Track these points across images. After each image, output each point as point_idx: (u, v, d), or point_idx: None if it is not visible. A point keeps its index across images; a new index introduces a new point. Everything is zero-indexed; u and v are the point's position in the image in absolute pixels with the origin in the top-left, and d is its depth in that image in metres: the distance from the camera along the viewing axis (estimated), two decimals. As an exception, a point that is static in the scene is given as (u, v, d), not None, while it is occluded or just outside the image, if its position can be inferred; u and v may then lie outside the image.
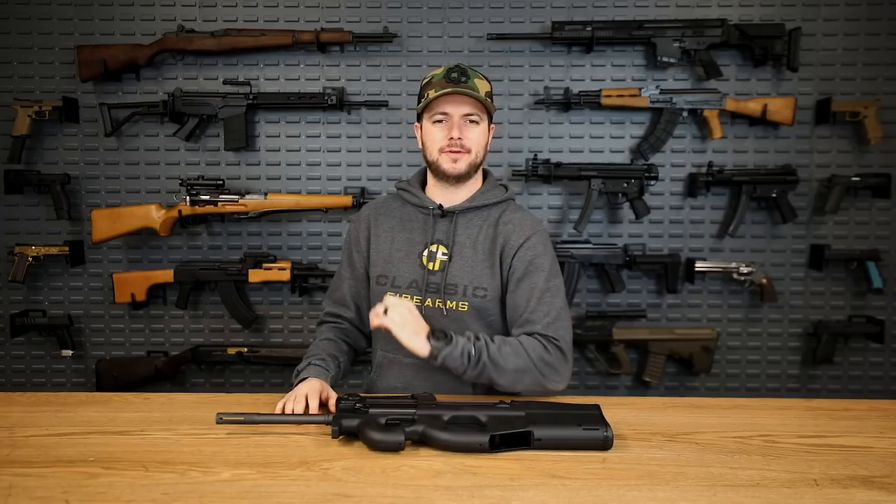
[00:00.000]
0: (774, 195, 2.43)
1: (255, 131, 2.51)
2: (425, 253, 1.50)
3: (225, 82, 2.43)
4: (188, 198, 2.39)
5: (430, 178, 1.55)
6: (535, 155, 2.45)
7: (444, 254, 1.49)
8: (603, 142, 2.51)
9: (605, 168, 2.43)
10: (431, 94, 1.44)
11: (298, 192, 2.50)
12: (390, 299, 1.36)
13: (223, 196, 2.40)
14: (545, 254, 1.48)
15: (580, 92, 2.42)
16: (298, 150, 2.52)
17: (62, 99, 2.42)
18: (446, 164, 1.47)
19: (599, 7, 2.45)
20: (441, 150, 1.47)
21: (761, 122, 2.45)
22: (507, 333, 1.51)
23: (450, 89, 1.42)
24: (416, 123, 1.56)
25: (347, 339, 1.61)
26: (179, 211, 2.40)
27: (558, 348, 1.40)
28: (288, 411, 1.28)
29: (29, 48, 2.47)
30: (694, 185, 2.47)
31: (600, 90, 2.41)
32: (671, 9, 2.46)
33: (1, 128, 2.48)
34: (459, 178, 1.49)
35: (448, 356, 1.33)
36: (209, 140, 2.51)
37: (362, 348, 1.66)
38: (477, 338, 1.37)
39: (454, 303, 1.47)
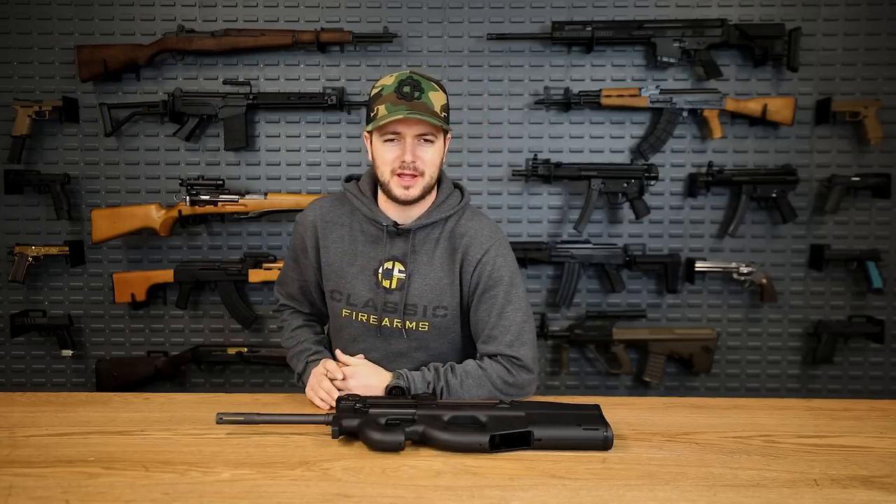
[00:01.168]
0: (774, 195, 2.43)
1: (255, 131, 2.51)
2: (381, 270, 1.44)
3: (225, 82, 2.43)
4: (188, 198, 2.39)
5: (382, 195, 1.45)
6: (535, 155, 2.45)
7: (400, 271, 1.43)
8: (603, 142, 2.51)
9: (605, 168, 2.43)
10: (381, 111, 1.34)
11: (298, 192, 2.50)
12: (345, 369, 1.36)
13: (223, 196, 2.40)
14: (504, 265, 1.43)
15: (580, 92, 2.42)
16: (298, 150, 2.52)
17: (62, 99, 2.42)
18: (398, 190, 1.37)
19: (599, 7, 2.45)
20: (393, 172, 1.37)
21: (761, 122, 2.45)
22: (470, 346, 1.51)
23: (401, 115, 1.31)
24: (365, 134, 1.44)
25: (314, 319, 1.63)
26: (179, 211, 2.40)
27: (522, 367, 1.38)
28: (323, 400, 1.35)
29: (29, 48, 2.47)
30: (694, 185, 2.47)
31: (600, 90, 2.41)
32: (671, 9, 2.46)
33: (1, 128, 2.48)
34: (412, 203, 1.40)
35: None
36: (209, 140, 2.51)
37: (327, 321, 1.64)
38: (437, 375, 1.35)
39: (414, 323, 1.44)
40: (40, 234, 2.53)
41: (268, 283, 2.50)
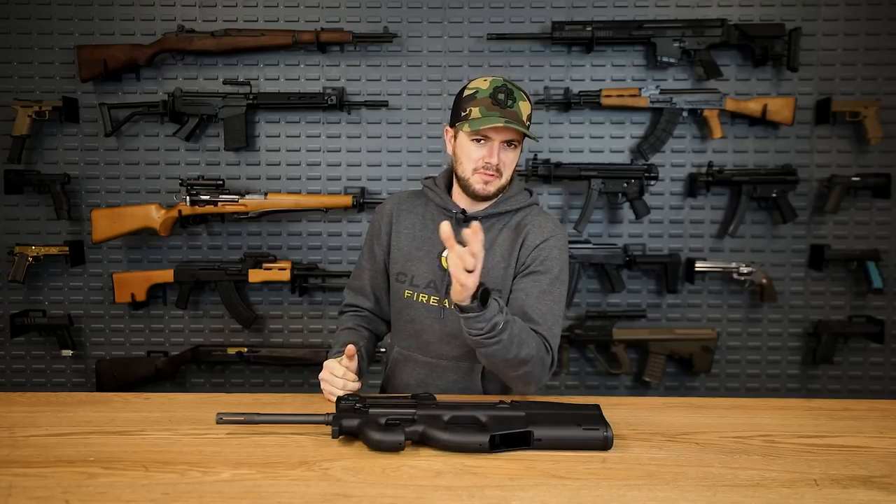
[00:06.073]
0: (774, 195, 2.43)
1: (255, 131, 2.51)
2: (445, 254, 1.49)
3: (225, 82, 2.43)
4: (188, 198, 2.39)
5: (457, 186, 1.54)
6: (535, 155, 2.45)
7: None
8: (603, 142, 2.51)
9: (605, 168, 2.43)
10: (475, 113, 1.41)
11: (298, 192, 2.50)
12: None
13: (223, 196, 2.40)
14: (558, 258, 1.46)
15: (580, 92, 2.43)
16: (298, 150, 2.52)
17: (62, 99, 2.42)
18: (478, 185, 1.46)
19: (599, 7, 2.45)
20: (475, 171, 1.45)
21: (761, 122, 2.45)
22: None
23: (500, 123, 1.38)
24: (447, 128, 1.53)
25: (368, 326, 1.64)
26: (179, 211, 2.40)
27: (550, 353, 1.39)
28: (331, 388, 1.34)
29: (29, 48, 2.47)
30: (694, 185, 2.47)
31: (600, 90, 2.41)
32: (671, 9, 2.46)
33: (1, 128, 2.48)
34: (487, 199, 1.50)
35: (476, 318, 1.25)
36: (209, 140, 2.51)
37: (383, 333, 1.69)
38: (506, 313, 1.30)
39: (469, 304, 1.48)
40: (40, 234, 2.53)
41: (268, 283, 2.51)
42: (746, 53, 2.46)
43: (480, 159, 1.44)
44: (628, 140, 2.51)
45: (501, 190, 1.50)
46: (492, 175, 1.45)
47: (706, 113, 2.41)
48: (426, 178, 1.61)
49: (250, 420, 1.18)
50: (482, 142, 1.44)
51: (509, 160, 1.47)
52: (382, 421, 1.14)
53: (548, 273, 1.45)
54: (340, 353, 1.45)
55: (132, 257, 2.55)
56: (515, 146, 1.47)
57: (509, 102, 1.42)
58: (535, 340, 1.36)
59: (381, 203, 1.68)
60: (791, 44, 2.37)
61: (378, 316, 1.66)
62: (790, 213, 2.45)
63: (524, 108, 1.44)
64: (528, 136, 1.45)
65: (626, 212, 2.51)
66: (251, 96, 2.41)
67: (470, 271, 1.20)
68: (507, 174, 1.48)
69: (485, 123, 1.39)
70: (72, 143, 2.51)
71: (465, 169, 1.47)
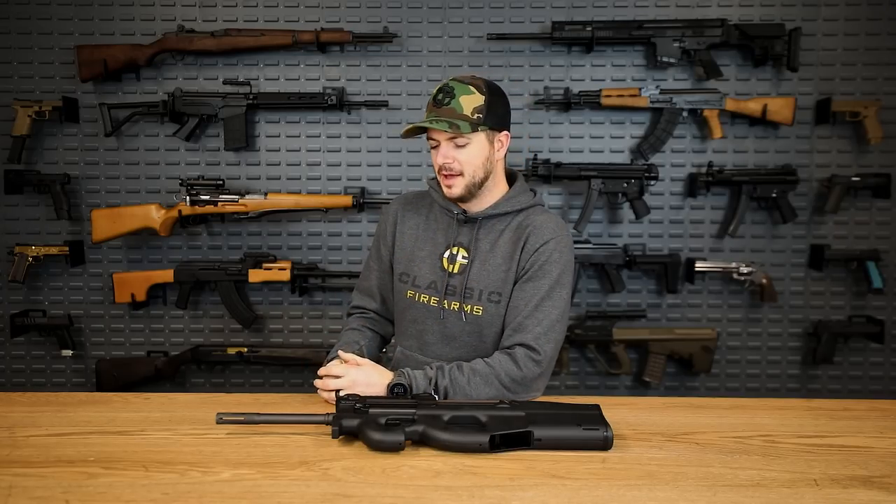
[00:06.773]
0: (774, 195, 2.43)
1: (255, 131, 2.51)
2: (446, 255, 1.52)
3: (225, 82, 2.43)
4: (188, 198, 2.39)
5: None
6: (535, 155, 2.45)
7: (464, 257, 1.50)
8: (603, 142, 2.51)
9: (605, 168, 2.43)
10: (424, 117, 1.46)
11: (298, 192, 2.50)
12: (350, 367, 1.36)
13: (223, 196, 2.40)
14: (558, 261, 1.45)
15: (580, 92, 2.43)
16: (298, 150, 2.52)
17: (62, 99, 2.42)
18: (444, 188, 1.49)
19: (599, 7, 2.45)
20: (439, 173, 1.48)
21: (761, 122, 2.45)
22: None
23: (411, 125, 1.45)
24: None
25: (372, 328, 1.65)
26: (179, 211, 2.40)
27: (536, 362, 1.38)
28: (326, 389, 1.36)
29: (29, 48, 2.47)
30: (694, 185, 2.47)
31: (600, 90, 2.41)
32: (671, 9, 2.46)
33: (1, 128, 2.48)
34: (461, 199, 1.49)
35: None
36: (209, 140, 2.51)
37: (390, 334, 1.69)
38: (441, 372, 1.36)
39: (470, 306, 1.48)
40: (40, 234, 2.53)
41: (268, 283, 2.51)
42: (746, 53, 2.46)
43: (436, 163, 1.47)
44: (628, 140, 2.51)
45: (471, 188, 1.46)
46: (449, 175, 1.45)
47: (706, 113, 2.41)
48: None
49: (250, 420, 1.18)
50: (437, 147, 1.46)
51: (463, 157, 1.43)
52: (382, 421, 1.14)
53: (546, 277, 1.44)
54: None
55: (132, 257, 2.55)
56: (465, 143, 1.43)
57: (446, 101, 1.42)
58: (499, 373, 1.37)
59: (384, 203, 1.69)
60: (791, 44, 2.37)
61: (384, 317, 1.67)
62: (790, 213, 2.45)
63: (466, 101, 1.41)
64: (479, 128, 1.41)
65: (626, 212, 2.51)
66: (251, 96, 2.41)
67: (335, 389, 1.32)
68: (469, 172, 1.44)
69: (406, 127, 1.47)
70: (72, 143, 2.51)
71: (436, 173, 1.50)
